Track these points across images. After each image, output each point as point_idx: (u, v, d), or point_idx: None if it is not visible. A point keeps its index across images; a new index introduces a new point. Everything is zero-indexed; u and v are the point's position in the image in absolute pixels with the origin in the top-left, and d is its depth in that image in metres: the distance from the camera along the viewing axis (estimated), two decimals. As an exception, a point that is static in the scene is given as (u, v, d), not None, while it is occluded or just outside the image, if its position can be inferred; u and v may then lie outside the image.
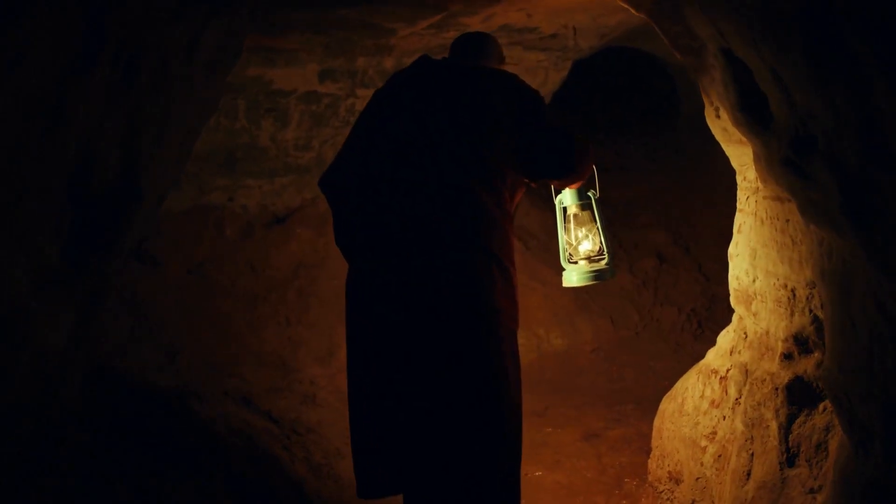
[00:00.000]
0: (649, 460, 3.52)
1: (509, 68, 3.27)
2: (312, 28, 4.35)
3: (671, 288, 6.09)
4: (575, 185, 3.13)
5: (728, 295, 5.73)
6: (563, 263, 3.23)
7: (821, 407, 2.38)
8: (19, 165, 1.51)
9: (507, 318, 2.83)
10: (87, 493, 2.57)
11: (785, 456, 2.43)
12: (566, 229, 3.24)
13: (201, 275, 5.07)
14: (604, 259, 3.19)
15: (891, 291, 1.66)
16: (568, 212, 3.23)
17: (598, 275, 3.14)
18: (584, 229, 3.22)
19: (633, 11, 3.29)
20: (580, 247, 3.23)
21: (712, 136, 6.49)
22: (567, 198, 3.18)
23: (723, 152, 3.19)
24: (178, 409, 3.60)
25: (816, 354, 2.43)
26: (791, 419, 2.46)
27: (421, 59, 3.10)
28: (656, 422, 3.52)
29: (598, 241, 3.21)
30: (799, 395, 2.45)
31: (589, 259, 3.21)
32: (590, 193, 3.17)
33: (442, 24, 4.53)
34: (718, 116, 2.93)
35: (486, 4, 4.25)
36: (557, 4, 4.47)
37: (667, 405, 3.46)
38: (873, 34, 1.46)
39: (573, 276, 3.17)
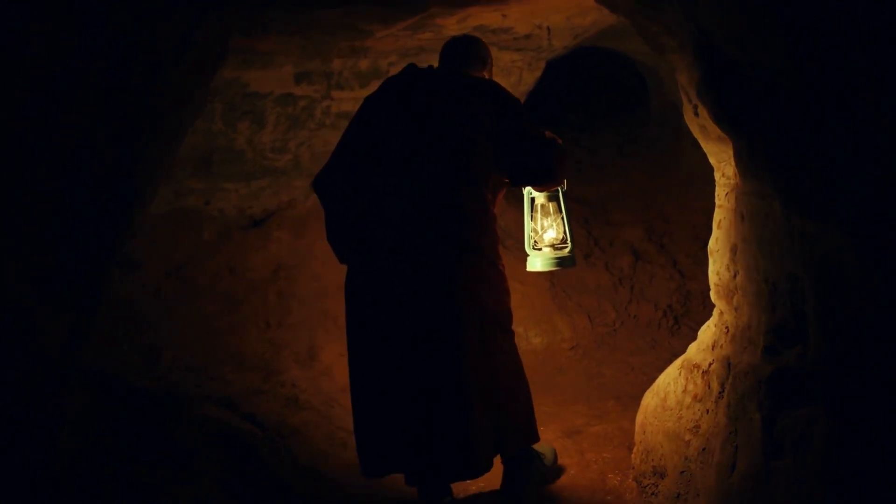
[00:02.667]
0: (632, 455, 3.56)
1: (484, 68, 3.58)
2: (289, 29, 4.34)
3: (647, 285, 6.13)
4: (551, 189, 3.43)
5: (703, 290, 5.78)
6: (528, 250, 3.52)
7: (805, 398, 2.42)
8: (14, 168, 1.51)
9: (492, 302, 3.20)
10: (75, 495, 2.56)
11: (770, 448, 2.47)
12: (532, 218, 3.52)
13: (180, 277, 5.05)
14: (567, 247, 3.50)
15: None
16: (536, 202, 3.51)
17: (560, 261, 3.48)
18: (549, 219, 3.50)
19: (609, 12, 3.33)
20: (545, 235, 3.52)
21: (683, 133, 6.58)
22: (535, 190, 3.47)
23: (693, 149, 3.26)
24: (160, 412, 3.58)
25: (798, 347, 2.47)
26: (775, 411, 2.49)
27: (409, 67, 3.38)
28: (639, 417, 3.55)
29: (562, 230, 3.50)
30: (782, 388, 2.49)
31: (553, 247, 3.51)
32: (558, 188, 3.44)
33: (418, 25, 4.54)
34: (697, 114, 2.97)
35: (462, 5, 4.27)
36: (533, 6, 4.51)
37: (649, 400, 3.49)
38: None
39: (537, 262, 3.49)
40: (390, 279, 3.13)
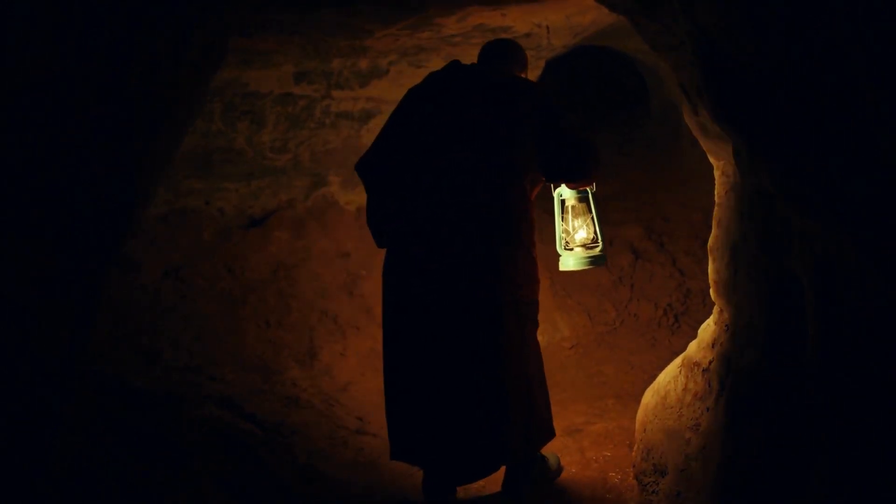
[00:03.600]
0: (633, 454, 3.56)
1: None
2: (288, 29, 4.34)
3: (647, 283, 6.14)
4: (584, 186, 3.53)
5: (703, 289, 5.80)
6: (559, 250, 3.63)
7: (805, 397, 2.42)
8: (14, 169, 1.51)
9: (528, 293, 3.36)
10: (74, 496, 2.56)
11: (771, 446, 2.47)
12: (563, 219, 3.63)
13: (179, 278, 5.05)
14: (598, 246, 3.60)
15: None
16: (566, 203, 3.62)
17: (593, 260, 3.58)
18: (580, 219, 3.61)
19: (608, 11, 3.33)
20: (576, 235, 3.62)
21: (682, 132, 6.58)
22: (566, 191, 3.56)
23: (693, 147, 3.27)
24: (160, 412, 3.58)
25: (799, 346, 2.47)
26: (775, 410, 2.49)
27: (454, 63, 3.52)
28: (639, 415, 3.55)
29: (592, 230, 3.61)
30: (783, 386, 2.49)
31: (584, 246, 3.61)
32: (587, 188, 3.55)
33: (417, 24, 4.54)
34: (696, 113, 2.97)
35: (462, 4, 4.27)
36: (531, 5, 4.51)
37: (649, 398, 3.49)
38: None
39: (570, 261, 3.59)
40: (431, 267, 3.22)
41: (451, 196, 3.23)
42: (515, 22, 4.88)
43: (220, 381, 4.47)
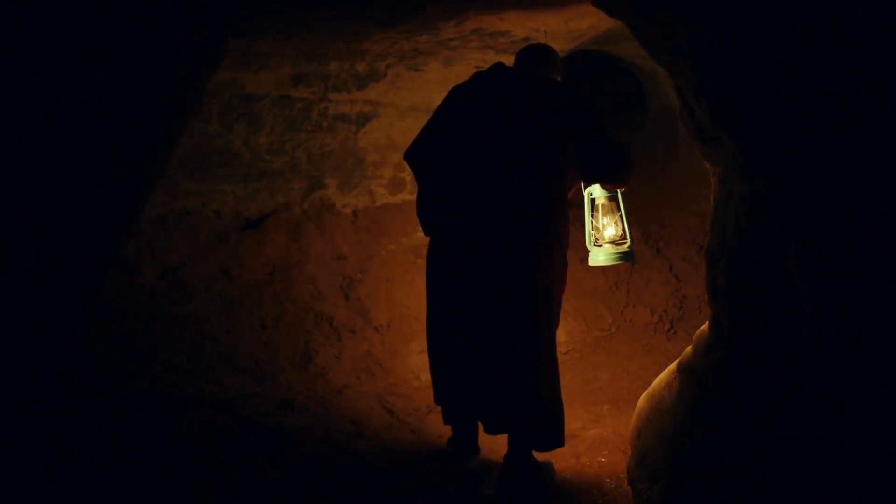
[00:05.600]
0: (628, 460, 3.55)
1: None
2: (286, 31, 4.34)
3: (643, 288, 6.14)
4: (619, 188, 3.76)
5: (699, 295, 5.80)
6: (589, 246, 3.87)
7: (803, 402, 2.41)
8: (12, 170, 1.50)
9: (557, 291, 3.60)
10: (72, 497, 2.55)
11: (768, 453, 2.46)
12: (593, 216, 3.87)
13: (175, 279, 5.03)
14: (626, 243, 3.84)
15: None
16: (596, 202, 3.86)
17: (622, 255, 3.82)
18: (609, 217, 3.85)
19: (606, 15, 3.32)
20: (605, 232, 3.87)
21: (679, 136, 6.59)
22: (597, 190, 3.79)
23: (690, 151, 3.29)
24: (156, 414, 3.57)
25: (796, 351, 2.46)
26: (772, 416, 2.49)
27: (498, 65, 3.78)
28: (634, 421, 3.55)
29: (621, 227, 3.86)
30: (780, 393, 2.48)
31: (614, 243, 3.86)
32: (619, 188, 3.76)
33: (415, 28, 4.54)
34: (694, 117, 2.96)
35: (460, 8, 4.27)
36: (529, 9, 4.51)
37: (644, 404, 3.49)
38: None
39: (600, 257, 3.84)
40: (473, 254, 3.52)
41: (493, 194, 3.49)
42: (514, 26, 4.88)
43: (215, 384, 4.45)
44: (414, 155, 3.72)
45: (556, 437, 3.64)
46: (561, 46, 5.60)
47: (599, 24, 5.07)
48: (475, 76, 3.75)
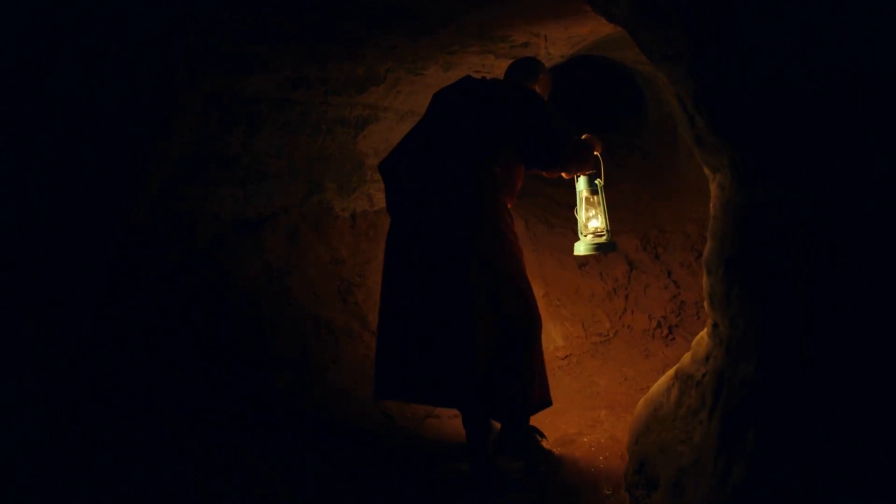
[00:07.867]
0: (625, 466, 3.54)
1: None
2: (285, 35, 4.33)
3: (641, 294, 6.13)
4: (566, 175, 4.04)
5: (697, 301, 5.79)
6: (580, 237, 4.14)
7: (800, 411, 2.41)
8: (9, 174, 1.50)
9: (511, 269, 3.72)
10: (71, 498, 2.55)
11: (764, 460, 2.45)
12: (579, 210, 4.13)
13: (172, 283, 5.02)
14: (604, 235, 4.09)
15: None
16: (581, 196, 4.12)
17: (598, 246, 4.06)
18: (592, 210, 4.13)
19: (606, 21, 3.32)
20: (589, 224, 4.14)
21: (678, 142, 6.60)
22: (581, 185, 4.09)
23: (689, 158, 3.28)
24: (156, 417, 3.56)
25: (794, 359, 2.46)
26: (769, 424, 2.48)
27: (465, 77, 4.04)
28: (631, 427, 3.54)
29: (602, 220, 4.09)
30: (777, 400, 2.48)
31: (595, 234, 4.12)
32: (596, 182, 4.06)
33: (415, 32, 4.53)
34: (693, 124, 2.96)
35: (459, 12, 4.27)
36: (529, 14, 4.51)
37: (642, 411, 3.48)
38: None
39: (581, 247, 4.10)
40: (419, 239, 3.68)
41: (438, 190, 3.69)
42: (514, 32, 4.88)
43: (212, 388, 4.44)
44: (385, 165, 3.94)
45: (525, 403, 3.76)
46: (561, 52, 5.60)
47: (599, 30, 5.07)
48: (449, 84, 4.04)
